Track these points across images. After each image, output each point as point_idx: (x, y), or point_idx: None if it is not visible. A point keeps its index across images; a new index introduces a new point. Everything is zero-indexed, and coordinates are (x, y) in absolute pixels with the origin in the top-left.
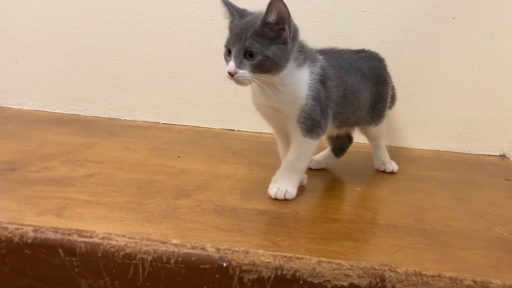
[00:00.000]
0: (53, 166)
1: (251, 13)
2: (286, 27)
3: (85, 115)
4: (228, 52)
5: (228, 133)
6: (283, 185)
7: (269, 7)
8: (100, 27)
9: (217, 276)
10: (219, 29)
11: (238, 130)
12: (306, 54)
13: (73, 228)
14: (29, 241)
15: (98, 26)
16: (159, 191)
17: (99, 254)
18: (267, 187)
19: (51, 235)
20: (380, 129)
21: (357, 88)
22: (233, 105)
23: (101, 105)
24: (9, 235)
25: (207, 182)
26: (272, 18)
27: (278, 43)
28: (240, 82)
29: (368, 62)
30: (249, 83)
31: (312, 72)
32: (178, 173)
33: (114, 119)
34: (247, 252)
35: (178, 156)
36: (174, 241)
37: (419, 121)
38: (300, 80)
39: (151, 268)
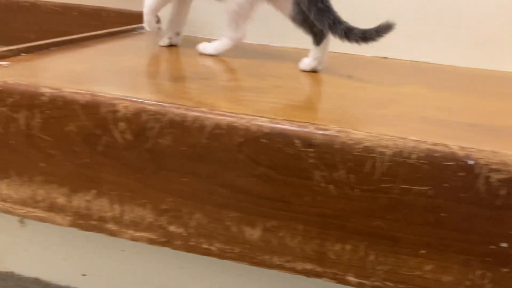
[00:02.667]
0: (239, 78)
1: None
2: None
3: None
4: None
5: (383, 60)
6: None
7: None
8: None
9: (460, 174)
10: None
11: (393, 58)
12: None
13: (308, 121)
14: (266, 130)
15: None
16: (354, 104)
17: (336, 146)
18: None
19: (288, 126)
20: None
21: None
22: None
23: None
24: (247, 124)
25: (397, 98)
26: None
27: None
28: None
29: None
30: None
31: None
32: (360, 88)
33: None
34: (496, 152)
35: (350, 76)
36: (413, 137)
37: None
38: None
39: (390, 163)
